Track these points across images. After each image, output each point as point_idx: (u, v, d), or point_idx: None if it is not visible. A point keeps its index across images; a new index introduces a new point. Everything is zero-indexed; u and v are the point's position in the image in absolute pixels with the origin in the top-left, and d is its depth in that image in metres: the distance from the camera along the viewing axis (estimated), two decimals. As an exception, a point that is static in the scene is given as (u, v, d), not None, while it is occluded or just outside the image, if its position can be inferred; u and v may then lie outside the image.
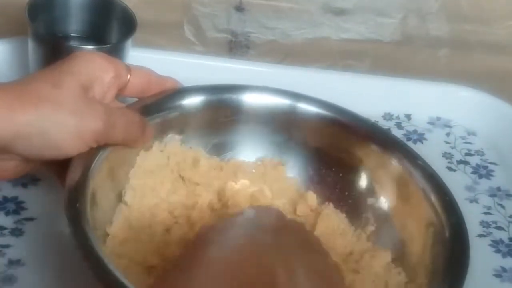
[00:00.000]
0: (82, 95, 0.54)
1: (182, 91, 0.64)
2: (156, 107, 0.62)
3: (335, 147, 0.66)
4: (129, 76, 0.59)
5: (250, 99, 0.65)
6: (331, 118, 0.66)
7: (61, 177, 0.55)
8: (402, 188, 0.62)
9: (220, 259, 0.48)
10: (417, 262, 0.58)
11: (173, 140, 0.63)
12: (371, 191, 0.64)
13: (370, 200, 0.64)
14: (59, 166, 0.55)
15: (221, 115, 0.65)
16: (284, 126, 0.66)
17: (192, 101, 0.64)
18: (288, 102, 0.66)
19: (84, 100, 0.54)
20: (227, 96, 0.65)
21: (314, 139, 0.66)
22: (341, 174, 0.65)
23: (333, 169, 0.66)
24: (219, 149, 0.66)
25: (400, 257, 0.60)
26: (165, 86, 0.62)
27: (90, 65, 0.56)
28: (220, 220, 0.60)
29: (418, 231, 0.60)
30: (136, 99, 0.62)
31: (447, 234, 0.57)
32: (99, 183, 0.55)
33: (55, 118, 0.52)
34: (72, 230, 0.50)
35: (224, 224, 0.55)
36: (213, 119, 0.65)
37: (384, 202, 0.63)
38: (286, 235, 0.54)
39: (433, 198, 0.59)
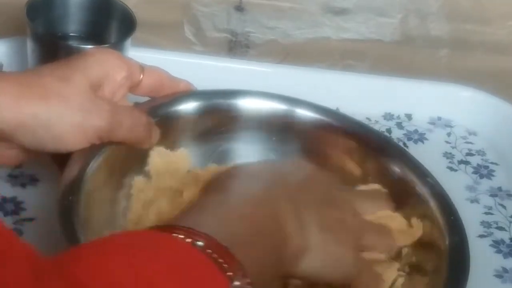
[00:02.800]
0: (89, 92, 0.54)
1: (193, 95, 0.63)
2: (163, 109, 0.61)
3: (339, 158, 0.65)
4: (141, 76, 0.59)
5: (260, 106, 0.65)
6: (344, 130, 0.65)
7: (61, 166, 0.55)
8: (407, 204, 0.61)
9: (231, 202, 0.50)
10: (417, 280, 0.58)
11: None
12: (375, 202, 0.63)
13: (373, 211, 0.63)
14: (61, 157, 0.55)
15: (230, 121, 0.65)
16: (285, 133, 0.66)
17: (200, 106, 0.63)
18: (290, 108, 0.65)
19: (91, 97, 0.54)
20: (238, 101, 0.65)
21: (326, 151, 0.65)
22: (343, 183, 0.65)
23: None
24: (222, 157, 0.66)
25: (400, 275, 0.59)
26: (177, 88, 0.62)
27: (103, 64, 0.56)
28: (234, 168, 0.60)
29: (419, 248, 0.59)
30: (147, 98, 0.62)
31: (448, 254, 0.56)
32: (97, 180, 0.55)
33: (61, 113, 0.52)
34: (61, 222, 0.50)
35: (239, 172, 0.57)
36: (220, 125, 0.65)
37: (386, 214, 0.62)
38: (305, 187, 0.56)
39: (438, 216, 0.59)
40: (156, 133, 0.60)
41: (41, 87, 0.52)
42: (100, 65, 0.56)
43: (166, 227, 0.44)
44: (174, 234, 0.43)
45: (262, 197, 0.52)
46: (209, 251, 0.43)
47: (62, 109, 0.52)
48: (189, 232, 0.43)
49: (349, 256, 0.55)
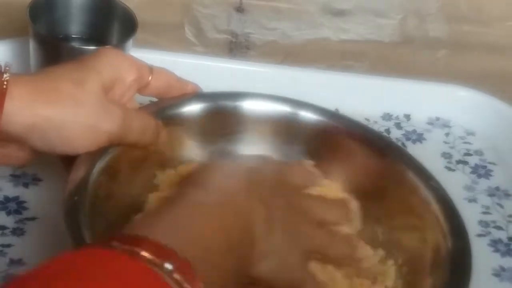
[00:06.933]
0: (102, 96, 0.54)
1: (198, 97, 0.64)
2: (169, 111, 0.62)
3: (341, 159, 0.65)
4: (150, 77, 0.59)
5: (265, 108, 0.65)
6: (346, 132, 0.65)
7: (68, 166, 0.56)
8: (410, 207, 0.61)
9: (206, 208, 0.50)
10: (418, 285, 0.58)
11: None
12: (378, 206, 0.63)
13: (376, 214, 0.63)
14: (67, 157, 0.56)
15: (235, 123, 0.65)
16: (289, 135, 0.66)
17: (205, 108, 0.64)
18: (294, 111, 0.66)
19: (104, 101, 0.54)
20: (243, 103, 0.65)
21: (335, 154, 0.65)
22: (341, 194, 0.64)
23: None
24: (227, 158, 0.66)
25: (400, 279, 0.59)
26: (185, 90, 0.63)
27: (114, 65, 0.56)
28: (204, 164, 0.61)
29: (422, 253, 0.59)
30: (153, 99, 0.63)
31: (451, 258, 0.56)
32: (103, 181, 0.56)
33: (74, 117, 0.52)
34: (67, 221, 0.51)
35: (214, 169, 0.56)
36: (225, 126, 0.65)
37: (389, 220, 0.62)
38: (276, 189, 0.56)
39: (442, 220, 0.58)
40: (163, 135, 0.60)
41: (55, 91, 0.52)
42: (112, 67, 0.56)
43: (134, 240, 0.42)
44: (143, 253, 0.41)
45: (236, 197, 0.52)
46: (176, 276, 0.41)
47: (76, 113, 0.52)
48: (159, 250, 0.42)
49: (298, 265, 0.55)
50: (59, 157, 0.57)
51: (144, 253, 0.41)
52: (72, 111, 0.52)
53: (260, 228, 0.52)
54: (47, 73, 0.54)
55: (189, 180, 0.54)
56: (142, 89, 0.60)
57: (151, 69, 0.60)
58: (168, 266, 0.41)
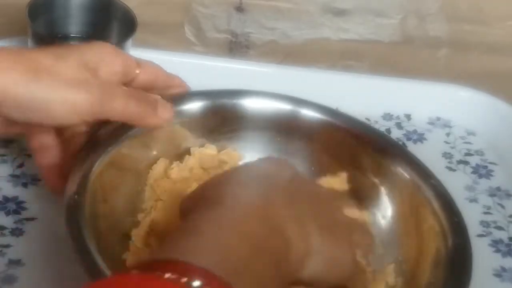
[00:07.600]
0: (82, 68, 0.54)
1: (197, 95, 0.64)
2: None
3: (342, 157, 0.65)
4: (138, 70, 0.59)
5: (265, 105, 0.65)
6: (344, 129, 0.65)
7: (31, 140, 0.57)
8: (410, 205, 0.61)
9: (228, 220, 0.47)
10: (418, 282, 0.58)
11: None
12: (378, 206, 0.63)
13: (376, 215, 0.63)
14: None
15: (235, 121, 0.65)
16: (290, 133, 0.66)
17: (204, 106, 0.64)
18: (294, 109, 0.66)
19: (83, 73, 0.54)
20: (243, 101, 0.65)
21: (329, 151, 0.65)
22: (346, 185, 0.64)
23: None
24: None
25: (400, 276, 0.60)
26: (171, 84, 0.63)
27: (98, 52, 0.57)
28: (222, 174, 0.57)
29: (422, 250, 0.59)
30: None
31: (451, 256, 0.56)
32: (103, 179, 0.56)
33: (49, 85, 0.52)
34: (67, 220, 0.51)
35: (228, 178, 0.54)
36: (225, 124, 0.65)
37: (389, 217, 0.62)
38: (295, 188, 0.54)
39: (442, 218, 0.58)
40: (165, 110, 0.59)
41: (32, 61, 0.52)
42: (97, 53, 0.56)
43: (158, 263, 0.41)
44: (167, 275, 0.39)
45: (258, 208, 0.49)
46: None
47: (51, 82, 0.52)
48: (184, 269, 0.40)
49: (348, 255, 0.54)
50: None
51: (169, 275, 0.39)
52: (47, 80, 0.52)
53: (293, 230, 0.49)
54: (29, 49, 0.54)
55: (203, 199, 0.52)
56: (129, 82, 0.59)
57: (138, 63, 0.60)
58: (197, 283, 0.39)
